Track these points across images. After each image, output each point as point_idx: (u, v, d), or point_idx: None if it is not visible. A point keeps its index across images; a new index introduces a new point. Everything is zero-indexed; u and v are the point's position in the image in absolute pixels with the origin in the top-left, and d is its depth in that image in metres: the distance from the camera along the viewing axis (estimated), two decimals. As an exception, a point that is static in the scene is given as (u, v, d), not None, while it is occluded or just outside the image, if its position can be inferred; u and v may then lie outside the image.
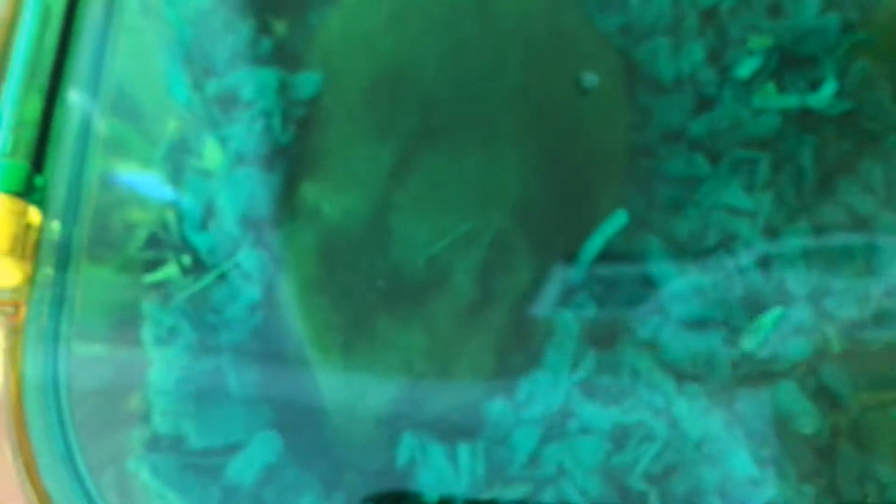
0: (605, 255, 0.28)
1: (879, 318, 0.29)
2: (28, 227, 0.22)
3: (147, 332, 0.25)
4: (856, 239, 0.30)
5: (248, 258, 0.25)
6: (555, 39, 0.28)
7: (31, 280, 0.22)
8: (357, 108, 0.26)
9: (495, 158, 0.26)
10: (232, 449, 0.24)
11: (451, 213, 0.25)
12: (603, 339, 0.26)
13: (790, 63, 0.32)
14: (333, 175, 0.25)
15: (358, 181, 0.25)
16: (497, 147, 0.26)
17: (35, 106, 0.23)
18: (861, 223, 0.30)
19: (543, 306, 0.26)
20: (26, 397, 0.21)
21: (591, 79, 0.28)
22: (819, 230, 0.30)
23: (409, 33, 0.27)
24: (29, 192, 0.22)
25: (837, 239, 0.30)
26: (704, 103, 0.31)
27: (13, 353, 0.22)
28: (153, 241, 0.26)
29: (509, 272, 0.25)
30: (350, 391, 0.25)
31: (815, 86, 0.31)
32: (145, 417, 0.24)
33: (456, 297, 0.25)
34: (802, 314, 0.28)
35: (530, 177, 0.26)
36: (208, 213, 0.26)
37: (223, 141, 0.26)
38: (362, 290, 0.25)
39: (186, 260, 0.26)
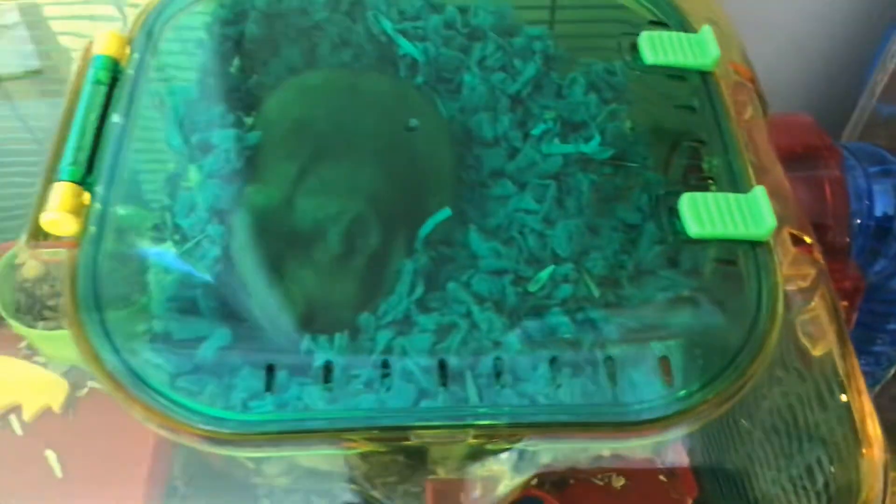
0: (439, 236, 0.44)
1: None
2: (83, 203, 0.39)
3: (151, 276, 0.41)
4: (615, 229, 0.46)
5: (213, 230, 0.42)
6: (402, 106, 0.47)
7: (82, 233, 0.39)
8: (277, 146, 0.44)
9: (359, 172, 0.44)
10: (200, 339, 0.39)
11: (329, 200, 0.42)
12: (433, 280, 0.42)
13: (570, 127, 0.49)
14: (262, 181, 0.43)
15: (276, 183, 0.43)
16: (360, 166, 0.44)
17: (89, 138, 0.41)
18: (628, 228, 0.46)
19: (394, 261, 0.42)
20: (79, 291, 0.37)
21: (414, 122, 0.46)
22: (591, 229, 0.46)
23: (311, 103, 0.46)
24: (84, 183, 0.39)
25: (604, 231, 0.46)
26: (513, 153, 0.48)
27: (70, 270, 0.38)
28: (157, 227, 0.43)
29: (365, 237, 0.42)
30: (272, 306, 0.41)
31: (587, 140, 0.49)
32: (148, 320, 0.40)
33: (328, 249, 0.41)
34: (567, 270, 0.44)
35: (381, 184, 0.44)
36: (190, 209, 0.43)
37: (200, 168, 0.44)
38: (276, 241, 0.41)
39: (176, 237, 0.42)
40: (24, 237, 0.39)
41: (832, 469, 0.42)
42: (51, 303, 0.55)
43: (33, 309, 0.54)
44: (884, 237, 0.47)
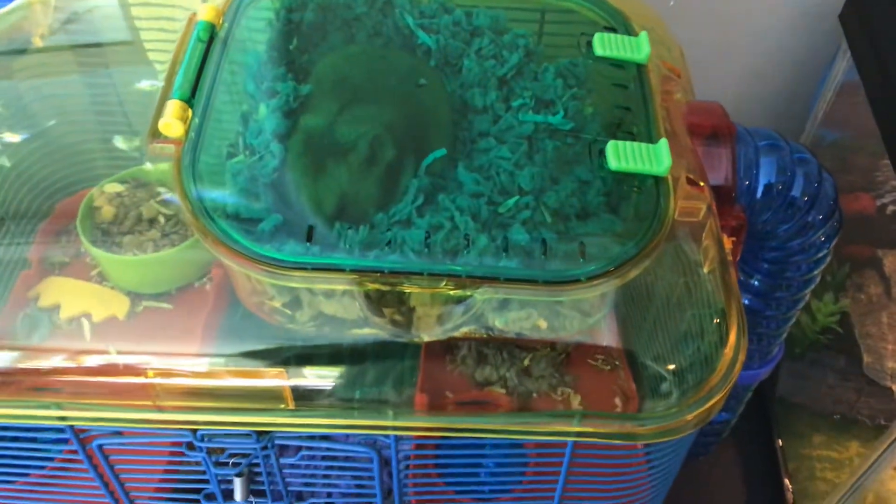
0: (437, 165, 0.60)
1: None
2: (187, 116, 0.56)
3: (229, 174, 0.57)
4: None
5: (275, 147, 0.58)
6: (417, 74, 0.63)
7: (185, 135, 0.56)
8: (324, 92, 0.61)
9: (382, 112, 0.60)
10: (259, 219, 0.56)
11: (361, 125, 0.58)
12: (430, 195, 0.58)
13: (541, 103, 0.66)
14: (312, 113, 0.59)
15: (323, 114, 0.59)
16: (383, 108, 0.60)
17: (192, 75, 0.58)
18: (580, 183, 0.62)
19: (403, 179, 0.59)
20: (183, 176, 0.54)
21: (422, 80, 0.62)
22: (552, 179, 0.62)
23: (351, 65, 0.63)
24: (189, 102, 0.56)
25: (561, 182, 0.62)
26: (497, 119, 0.64)
27: (176, 161, 0.55)
28: (233, 145, 0.59)
29: (383, 150, 0.58)
30: (314, 198, 0.57)
31: (554, 114, 0.65)
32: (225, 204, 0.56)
33: (359, 154, 0.57)
34: (528, 200, 0.59)
35: (397, 122, 0.60)
36: (259, 132, 0.59)
37: (267, 106, 0.60)
38: (321, 153, 0.58)
39: (247, 152, 0.59)
40: (145, 137, 0.56)
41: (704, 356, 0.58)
42: (118, 239, 0.66)
43: (106, 243, 0.66)
44: (767, 197, 0.63)
